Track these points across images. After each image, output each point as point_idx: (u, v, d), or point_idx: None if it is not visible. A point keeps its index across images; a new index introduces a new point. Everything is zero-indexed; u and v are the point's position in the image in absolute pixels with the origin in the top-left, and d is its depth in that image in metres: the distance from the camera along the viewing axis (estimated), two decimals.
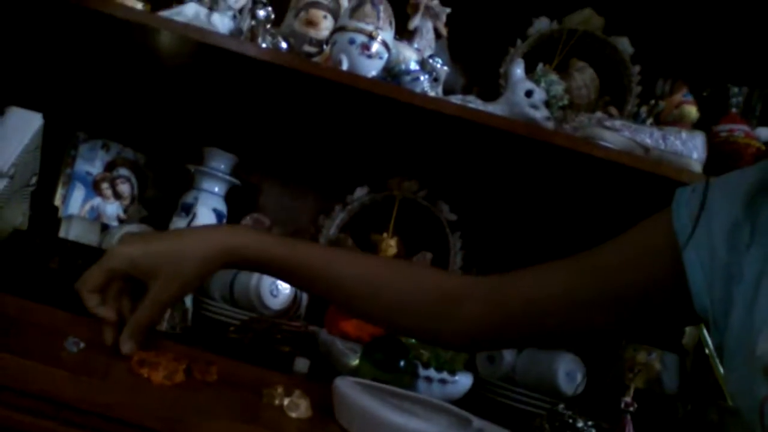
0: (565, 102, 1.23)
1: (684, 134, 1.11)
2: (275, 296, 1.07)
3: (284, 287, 1.08)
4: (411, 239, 1.29)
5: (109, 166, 1.23)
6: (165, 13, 1.11)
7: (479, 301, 0.60)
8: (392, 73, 1.12)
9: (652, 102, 1.18)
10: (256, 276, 1.06)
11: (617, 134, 1.10)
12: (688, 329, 1.15)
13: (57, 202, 1.18)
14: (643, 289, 0.53)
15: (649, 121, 1.16)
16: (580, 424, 0.98)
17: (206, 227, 0.65)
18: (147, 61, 1.24)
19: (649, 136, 1.10)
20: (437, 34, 1.26)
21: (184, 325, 0.98)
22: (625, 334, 0.63)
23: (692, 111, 1.14)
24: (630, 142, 1.09)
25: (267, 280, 1.07)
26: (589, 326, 0.57)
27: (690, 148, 1.09)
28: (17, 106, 1.05)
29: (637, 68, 1.31)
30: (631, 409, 0.94)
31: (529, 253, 1.29)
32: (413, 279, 0.64)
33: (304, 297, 1.15)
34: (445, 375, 0.97)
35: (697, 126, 1.17)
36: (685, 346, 1.15)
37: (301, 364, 0.95)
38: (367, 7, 1.09)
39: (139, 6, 1.16)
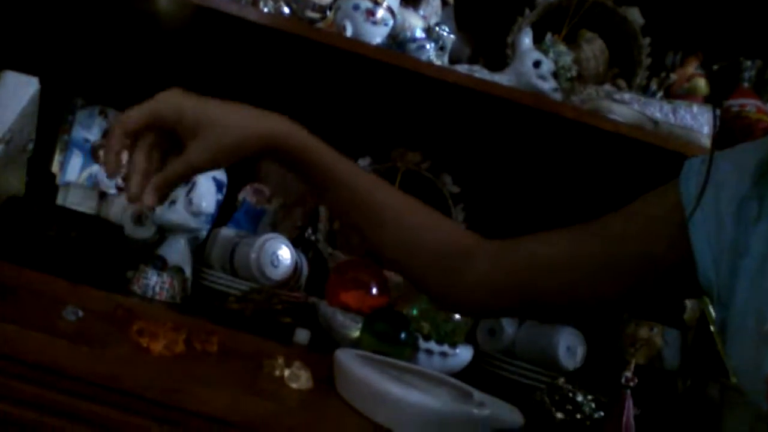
0: (574, 73, 1.20)
1: (695, 108, 1.09)
2: (276, 266, 1.06)
3: (285, 257, 1.07)
4: None
5: (108, 133, 1.20)
6: None
7: (487, 259, 0.60)
8: (397, 40, 1.10)
9: (663, 74, 1.16)
10: (256, 246, 1.05)
11: (626, 107, 1.08)
12: (689, 304, 1.14)
13: (54, 168, 1.16)
14: (648, 260, 0.52)
15: (659, 94, 1.14)
16: (579, 398, 0.98)
17: (260, 110, 0.62)
18: (147, 25, 1.22)
19: (658, 110, 1.08)
20: (444, 2, 1.23)
21: (184, 294, 0.97)
22: (628, 305, 0.62)
23: (703, 84, 1.11)
24: (639, 116, 1.07)
25: (267, 251, 1.05)
26: (593, 295, 0.56)
27: (701, 122, 1.07)
28: (13, 71, 1.03)
29: (647, 40, 1.28)
30: (632, 384, 0.94)
31: (533, 226, 1.26)
32: (436, 223, 0.63)
33: (305, 268, 1.14)
34: (445, 348, 0.97)
35: (707, 100, 1.14)
36: (686, 322, 1.15)
37: (302, 336, 0.95)
38: None
39: None
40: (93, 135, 1.20)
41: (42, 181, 1.11)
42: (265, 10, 1.08)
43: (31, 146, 1.04)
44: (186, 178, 0.61)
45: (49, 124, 1.14)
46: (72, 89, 1.23)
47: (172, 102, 0.58)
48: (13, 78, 1.02)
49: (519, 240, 0.61)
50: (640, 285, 0.54)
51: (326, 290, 1.07)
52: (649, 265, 0.52)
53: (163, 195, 0.58)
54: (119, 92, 1.28)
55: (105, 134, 1.20)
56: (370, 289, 1.05)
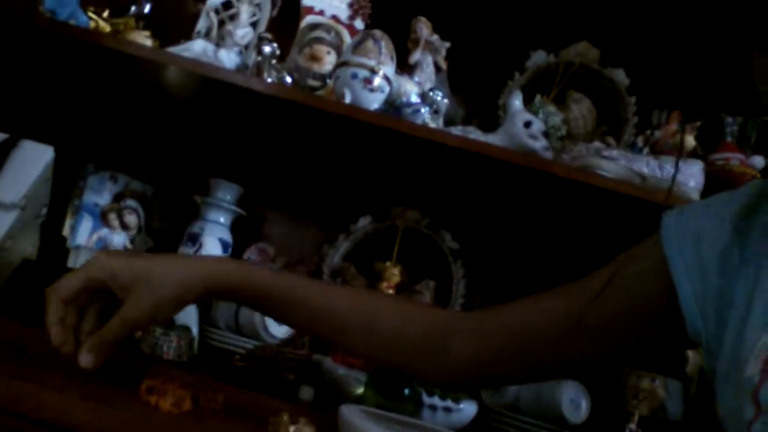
0: (563, 132, 1.25)
1: (680, 162, 1.13)
2: (280, 324, 1.08)
3: None
4: (414, 268, 1.31)
5: (117, 198, 1.25)
6: (173, 49, 1.15)
7: (467, 335, 0.59)
8: (394, 105, 1.15)
9: (648, 132, 1.21)
10: None
11: (614, 163, 1.12)
12: (691, 355, 1.15)
13: (65, 232, 1.20)
14: (635, 317, 0.53)
15: (646, 150, 1.19)
16: None
17: (194, 256, 0.63)
18: (155, 96, 1.28)
19: (645, 165, 1.12)
20: (437, 68, 1.29)
21: (191, 353, 0.99)
22: (618, 362, 0.62)
23: (687, 139, 1.16)
24: (627, 171, 1.11)
25: None
26: (581, 356, 0.56)
27: (687, 175, 1.11)
28: (29, 139, 1.08)
29: (633, 99, 1.34)
30: None
31: (531, 280, 1.30)
32: (403, 312, 0.62)
33: None
34: (449, 403, 0.98)
35: (693, 155, 1.19)
36: (688, 373, 1.16)
37: (306, 392, 0.96)
38: (369, 43, 1.12)
39: (149, 43, 1.20)
40: (103, 200, 1.24)
41: (53, 244, 1.14)
42: (269, 80, 1.14)
43: (44, 211, 1.08)
44: (124, 334, 0.60)
45: (62, 189, 1.19)
46: (84, 155, 1.28)
47: (103, 264, 0.59)
48: (29, 147, 1.07)
49: (499, 310, 0.60)
50: (628, 342, 0.54)
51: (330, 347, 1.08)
52: (636, 322, 0.53)
53: (103, 355, 0.59)
54: (129, 158, 1.33)
55: (115, 198, 1.24)
56: None
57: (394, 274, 1.26)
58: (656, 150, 1.18)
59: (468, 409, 1.00)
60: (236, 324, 1.10)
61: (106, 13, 1.24)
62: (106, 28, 1.22)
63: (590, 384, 1.14)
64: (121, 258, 0.60)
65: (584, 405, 1.11)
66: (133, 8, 1.30)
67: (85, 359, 0.58)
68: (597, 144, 1.23)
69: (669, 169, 1.12)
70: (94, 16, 1.22)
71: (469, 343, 0.59)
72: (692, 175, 1.12)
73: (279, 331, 1.08)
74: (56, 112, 1.29)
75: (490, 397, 1.17)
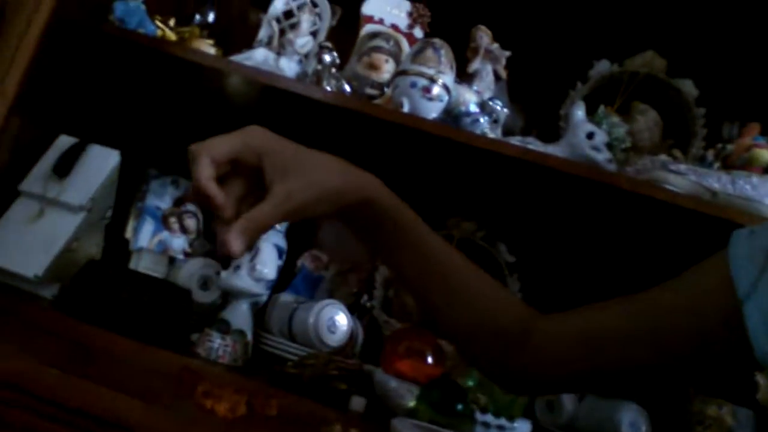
0: (628, 144, 1.21)
1: (755, 178, 1.07)
2: (333, 333, 1.08)
3: (342, 323, 1.09)
4: None
5: (178, 202, 1.28)
6: (236, 58, 1.17)
7: (542, 336, 0.59)
8: (452, 114, 1.14)
9: (719, 145, 1.15)
10: (314, 312, 1.08)
11: (682, 178, 1.08)
12: (762, 382, 1.09)
13: (128, 234, 1.24)
14: (699, 333, 0.51)
15: (717, 164, 1.13)
16: None
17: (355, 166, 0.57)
18: (217, 102, 1.30)
19: (716, 180, 1.07)
20: (497, 77, 1.27)
21: (245, 357, 1.00)
22: (684, 377, 0.60)
23: (764, 154, 1.10)
24: (696, 186, 1.06)
25: (324, 316, 1.08)
26: (646, 366, 0.55)
27: (762, 192, 1.05)
28: (97, 144, 1.12)
29: (702, 111, 1.28)
30: None
31: (589, 296, 1.25)
32: (503, 301, 0.61)
33: (361, 335, 1.15)
34: (503, 421, 0.95)
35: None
36: (760, 401, 1.09)
37: (357, 403, 0.95)
38: (429, 52, 1.11)
39: (212, 51, 1.23)
40: (164, 203, 1.27)
41: (117, 246, 1.18)
42: (328, 88, 1.14)
43: (109, 214, 1.12)
44: (282, 218, 0.51)
45: (125, 193, 1.22)
46: (147, 160, 1.32)
47: (264, 136, 0.52)
48: (97, 151, 1.12)
49: (571, 314, 0.60)
50: (692, 357, 0.53)
51: (382, 358, 1.07)
52: (700, 338, 0.51)
53: (254, 238, 0.49)
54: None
55: (176, 203, 1.27)
56: (426, 358, 1.05)
57: None
58: (728, 164, 1.13)
59: (522, 428, 0.97)
60: (289, 330, 1.11)
61: (172, 22, 1.28)
62: (172, 36, 1.26)
63: (650, 407, 1.09)
64: (280, 139, 0.52)
65: (644, 429, 1.07)
66: (197, 17, 1.33)
67: (237, 243, 0.47)
68: (663, 157, 1.18)
69: (742, 184, 1.07)
70: (160, 24, 1.25)
71: (542, 344, 0.59)
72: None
73: (331, 339, 1.08)
74: (123, 117, 1.34)
75: (545, 416, 1.13)
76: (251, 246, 0.52)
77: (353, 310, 1.19)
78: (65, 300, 0.97)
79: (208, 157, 0.50)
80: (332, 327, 1.08)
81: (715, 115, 1.28)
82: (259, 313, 1.16)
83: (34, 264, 0.96)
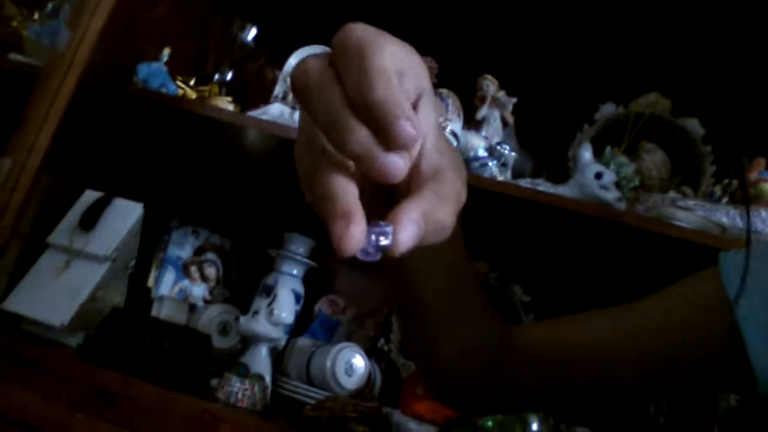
0: (636, 183, 1.23)
1: (763, 212, 1.08)
2: (350, 376, 1.09)
3: (359, 366, 1.10)
4: None
5: (198, 251, 1.32)
6: (253, 113, 1.23)
7: (528, 347, 0.57)
8: (462, 160, 1.17)
9: (726, 181, 1.17)
10: (331, 356, 1.09)
11: (691, 213, 1.09)
12: None
13: (150, 283, 1.27)
14: (694, 350, 0.50)
15: (725, 200, 1.15)
16: None
17: None
18: (235, 155, 1.36)
19: (725, 215, 1.08)
20: (504, 123, 1.31)
21: (264, 402, 1.01)
22: (677, 394, 0.57)
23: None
24: (705, 221, 1.07)
25: (342, 360, 1.09)
26: (626, 384, 0.53)
27: None
28: (121, 197, 1.17)
29: (708, 148, 1.30)
30: None
31: None
32: (490, 313, 0.58)
33: (378, 377, 1.16)
34: None
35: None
36: None
37: None
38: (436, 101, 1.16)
39: (231, 107, 1.29)
40: (185, 253, 1.32)
41: (139, 294, 1.21)
42: None
43: (132, 263, 1.16)
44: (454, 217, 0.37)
45: (147, 243, 1.27)
46: (169, 211, 1.37)
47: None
48: (121, 204, 1.16)
49: (552, 322, 0.58)
50: (683, 376, 0.52)
51: (400, 400, 1.08)
52: (693, 355, 0.50)
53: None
54: (210, 213, 1.41)
55: (196, 252, 1.31)
56: None
57: None
58: (736, 199, 1.14)
59: None
60: (307, 374, 1.12)
61: (192, 82, 1.35)
62: (193, 95, 1.32)
63: None
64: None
65: None
66: (216, 76, 1.39)
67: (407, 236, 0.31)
68: (672, 194, 1.20)
69: (751, 218, 1.08)
70: (181, 84, 1.32)
71: (528, 353, 0.57)
72: None
73: (349, 382, 1.09)
74: (146, 171, 1.39)
75: None
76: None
77: (371, 353, 1.20)
78: (90, 348, 1.00)
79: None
80: (349, 370, 1.09)
81: (723, 151, 1.30)
82: (278, 357, 1.18)
83: (60, 313, 1.00)
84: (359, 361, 1.11)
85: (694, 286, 0.53)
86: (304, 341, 1.19)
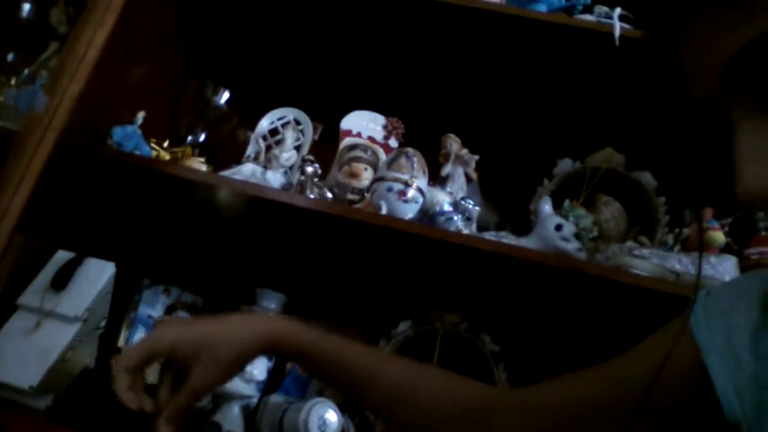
0: (595, 234, 1.29)
1: (713, 259, 1.14)
2: (323, 431, 1.09)
3: (332, 421, 1.10)
4: (456, 371, 1.31)
5: (169, 309, 1.32)
6: (225, 173, 1.27)
7: (509, 412, 0.60)
8: (428, 214, 1.22)
9: (677, 230, 1.23)
10: (304, 411, 1.09)
11: (647, 261, 1.14)
12: None
13: (120, 343, 1.27)
14: (669, 396, 0.52)
15: (677, 248, 1.21)
16: None
17: (253, 314, 0.66)
18: (208, 214, 1.38)
19: (678, 262, 1.13)
20: (468, 179, 1.36)
21: None
22: None
23: (718, 236, 1.18)
24: (660, 269, 1.13)
25: (315, 415, 1.09)
26: None
27: (721, 271, 1.12)
28: (93, 257, 1.18)
29: (662, 199, 1.37)
30: None
31: None
32: (445, 384, 0.64)
33: None
34: None
35: (726, 250, 1.20)
36: None
37: None
38: (402, 160, 1.22)
39: (204, 167, 1.33)
40: (156, 312, 1.32)
41: (109, 354, 1.20)
42: (311, 196, 1.23)
43: (103, 323, 1.15)
44: (196, 401, 0.62)
45: (119, 303, 1.27)
46: (140, 270, 1.37)
47: (163, 337, 0.62)
48: (93, 263, 1.17)
49: (538, 387, 0.62)
50: (663, 423, 0.54)
51: None
52: (670, 402, 0.53)
53: (179, 424, 0.60)
54: (182, 273, 1.42)
55: (167, 310, 1.31)
56: None
57: None
58: (687, 247, 1.20)
59: None
60: (280, 431, 1.12)
61: (166, 143, 1.38)
62: (166, 156, 1.35)
63: None
64: (180, 328, 0.63)
65: None
66: (189, 138, 1.44)
67: (164, 430, 0.59)
68: (630, 243, 1.26)
69: (702, 265, 1.14)
70: (155, 146, 1.35)
71: (511, 419, 0.60)
72: (727, 271, 1.12)
73: None
74: (118, 231, 1.41)
75: None
76: (181, 427, 0.62)
77: (344, 408, 1.20)
78: (59, 410, 0.99)
79: (123, 368, 0.62)
80: (323, 426, 1.09)
81: (677, 200, 1.37)
82: (250, 415, 1.17)
83: (29, 375, 0.99)
84: (332, 416, 1.11)
85: (664, 335, 0.56)
86: (276, 398, 1.19)
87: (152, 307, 1.33)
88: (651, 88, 1.36)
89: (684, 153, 1.46)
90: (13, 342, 1.04)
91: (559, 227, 1.21)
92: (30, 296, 1.10)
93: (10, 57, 1.42)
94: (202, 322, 0.63)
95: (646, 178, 1.40)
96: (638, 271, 1.13)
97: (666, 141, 1.46)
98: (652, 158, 1.43)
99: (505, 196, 1.48)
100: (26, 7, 1.49)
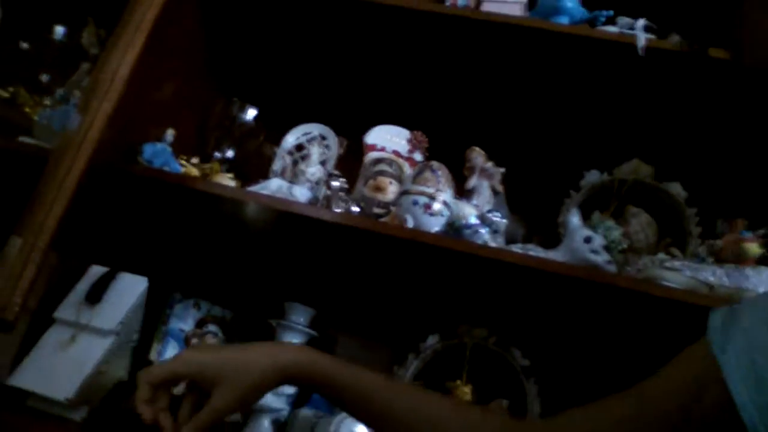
0: (624, 246, 1.27)
1: (748, 270, 1.12)
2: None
3: None
4: (485, 386, 1.30)
5: (200, 323, 1.34)
6: (253, 188, 1.28)
7: None
8: (454, 227, 1.22)
9: (710, 241, 1.21)
10: (334, 426, 1.10)
11: (679, 274, 1.12)
12: None
13: (152, 356, 1.29)
14: (690, 418, 0.52)
15: (710, 259, 1.19)
16: None
17: (275, 343, 0.68)
18: (237, 229, 1.40)
19: (711, 274, 1.11)
20: (494, 191, 1.36)
21: None
22: None
23: (752, 247, 1.15)
24: (693, 281, 1.11)
25: (344, 429, 1.09)
26: None
27: (755, 282, 1.09)
28: (126, 272, 1.20)
29: (693, 210, 1.34)
30: None
31: (607, 394, 1.26)
32: (468, 420, 0.63)
33: None
34: None
35: (762, 263, 1.18)
36: None
37: None
38: (428, 173, 1.22)
39: (232, 183, 1.35)
40: (187, 325, 1.34)
41: (142, 367, 1.22)
42: (337, 210, 1.24)
43: (136, 337, 1.17)
44: (214, 423, 0.64)
45: (151, 316, 1.29)
46: (172, 285, 1.39)
47: (190, 360, 0.65)
48: (126, 278, 1.19)
49: (561, 418, 0.61)
50: None
51: None
52: (693, 424, 0.52)
53: None
54: (212, 287, 1.44)
55: (198, 324, 1.33)
56: None
57: (465, 392, 1.26)
58: (721, 259, 1.18)
59: None
60: None
61: (195, 160, 1.40)
62: (195, 172, 1.38)
63: None
64: (206, 352, 0.67)
65: None
66: (217, 154, 1.46)
67: None
68: (661, 255, 1.24)
69: (737, 276, 1.11)
70: (184, 162, 1.38)
71: None
72: (762, 282, 1.10)
73: None
74: (150, 246, 1.43)
75: None
76: None
77: None
78: (94, 422, 1.01)
79: (145, 381, 0.65)
80: None
81: (710, 212, 1.34)
82: (280, 429, 1.18)
83: (65, 388, 1.01)
84: (361, 431, 1.11)
85: (687, 357, 0.55)
86: (306, 412, 1.20)
87: (183, 320, 1.35)
88: (679, 98, 1.35)
89: (714, 162, 1.45)
90: (49, 355, 1.06)
91: (588, 239, 1.19)
92: (66, 310, 1.13)
93: (44, 78, 1.47)
94: (227, 349, 0.67)
95: (676, 188, 1.38)
96: (670, 283, 1.11)
97: (695, 150, 1.45)
98: (682, 168, 1.41)
99: (532, 208, 1.47)
100: (59, 30, 1.54)
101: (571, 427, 0.60)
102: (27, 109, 1.42)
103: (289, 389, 1.15)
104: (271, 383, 0.64)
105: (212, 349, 0.68)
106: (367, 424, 0.68)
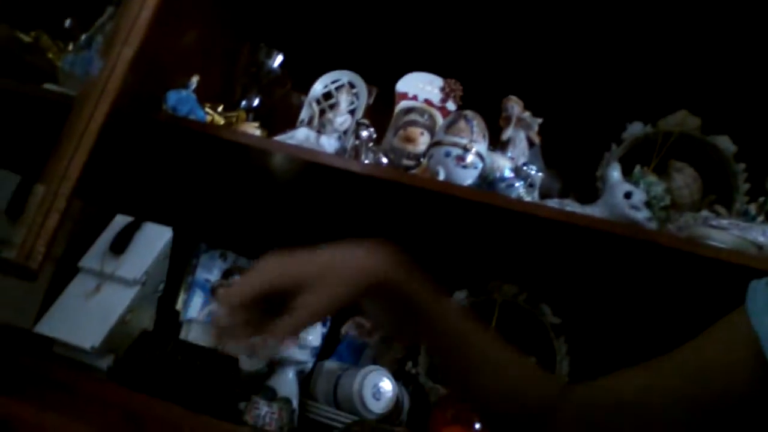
0: (667, 202, 1.21)
1: None
2: (378, 399, 1.08)
3: (387, 389, 1.09)
4: (514, 343, 1.27)
5: (226, 274, 1.33)
6: (279, 138, 1.25)
7: (572, 406, 0.59)
8: (487, 180, 1.17)
9: (761, 199, 1.14)
10: (359, 378, 1.08)
11: (725, 233, 1.06)
12: None
13: (179, 306, 1.29)
14: (728, 391, 0.51)
15: (760, 218, 1.12)
16: None
17: (360, 248, 0.64)
18: (263, 179, 1.37)
19: (761, 234, 1.05)
20: (530, 143, 1.30)
21: (291, 426, 1.00)
22: None
23: None
24: (740, 240, 1.05)
25: (369, 383, 1.08)
26: (679, 428, 0.54)
27: None
28: (151, 221, 1.19)
29: (742, 166, 1.27)
30: None
31: (637, 355, 1.22)
32: (532, 376, 0.63)
33: (406, 401, 1.15)
34: None
35: None
36: None
37: None
38: (461, 123, 1.16)
39: (258, 132, 1.31)
40: (213, 276, 1.33)
41: (168, 317, 1.22)
42: (366, 161, 1.20)
43: (162, 287, 1.17)
44: (303, 327, 0.59)
45: (176, 266, 1.28)
46: (197, 235, 1.38)
47: (277, 268, 0.59)
48: (151, 228, 1.18)
49: (599, 382, 0.60)
50: (724, 417, 0.52)
51: (429, 425, 1.06)
52: (731, 397, 0.51)
53: (284, 344, 0.59)
54: (238, 237, 1.42)
55: (224, 275, 1.32)
56: (473, 424, 1.04)
57: None
58: None
59: None
60: (335, 398, 1.11)
61: (220, 108, 1.37)
62: (221, 121, 1.35)
63: None
64: (292, 258, 0.61)
65: None
66: (243, 103, 1.42)
67: (267, 352, 0.58)
68: (706, 213, 1.17)
69: None
70: (210, 111, 1.35)
71: (572, 414, 0.59)
72: None
73: (377, 406, 1.07)
74: (175, 196, 1.42)
75: None
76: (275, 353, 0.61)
77: (398, 376, 1.18)
78: (120, 370, 1.01)
79: (237, 302, 0.58)
80: (377, 394, 1.08)
81: (759, 168, 1.27)
82: (305, 380, 1.17)
83: (91, 336, 1.01)
84: (387, 385, 1.10)
85: (724, 326, 0.54)
86: (331, 364, 1.19)
87: (209, 271, 1.34)
88: (728, 45, 1.25)
89: (766, 114, 1.36)
90: (75, 304, 1.06)
91: (628, 195, 1.14)
92: (90, 259, 1.12)
93: (67, 23, 1.44)
94: (311, 253, 0.61)
95: (725, 142, 1.30)
96: (716, 242, 1.05)
97: (746, 101, 1.36)
98: (731, 121, 1.33)
99: (569, 161, 1.41)
100: None
101: (609, 390, 0.59)
102: (50, 55, 1.39)
103: (314, 341, 1.14)
104: (362, 288, 0.60)
105: (293, 253, 0.61)
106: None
